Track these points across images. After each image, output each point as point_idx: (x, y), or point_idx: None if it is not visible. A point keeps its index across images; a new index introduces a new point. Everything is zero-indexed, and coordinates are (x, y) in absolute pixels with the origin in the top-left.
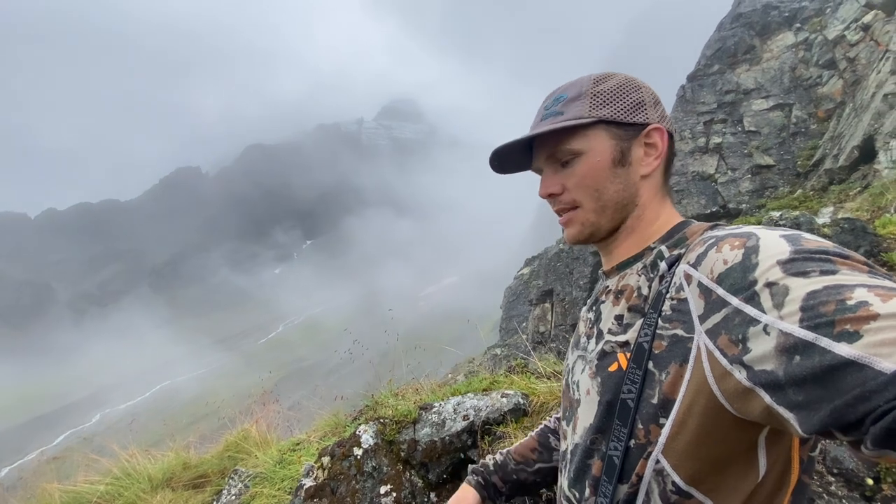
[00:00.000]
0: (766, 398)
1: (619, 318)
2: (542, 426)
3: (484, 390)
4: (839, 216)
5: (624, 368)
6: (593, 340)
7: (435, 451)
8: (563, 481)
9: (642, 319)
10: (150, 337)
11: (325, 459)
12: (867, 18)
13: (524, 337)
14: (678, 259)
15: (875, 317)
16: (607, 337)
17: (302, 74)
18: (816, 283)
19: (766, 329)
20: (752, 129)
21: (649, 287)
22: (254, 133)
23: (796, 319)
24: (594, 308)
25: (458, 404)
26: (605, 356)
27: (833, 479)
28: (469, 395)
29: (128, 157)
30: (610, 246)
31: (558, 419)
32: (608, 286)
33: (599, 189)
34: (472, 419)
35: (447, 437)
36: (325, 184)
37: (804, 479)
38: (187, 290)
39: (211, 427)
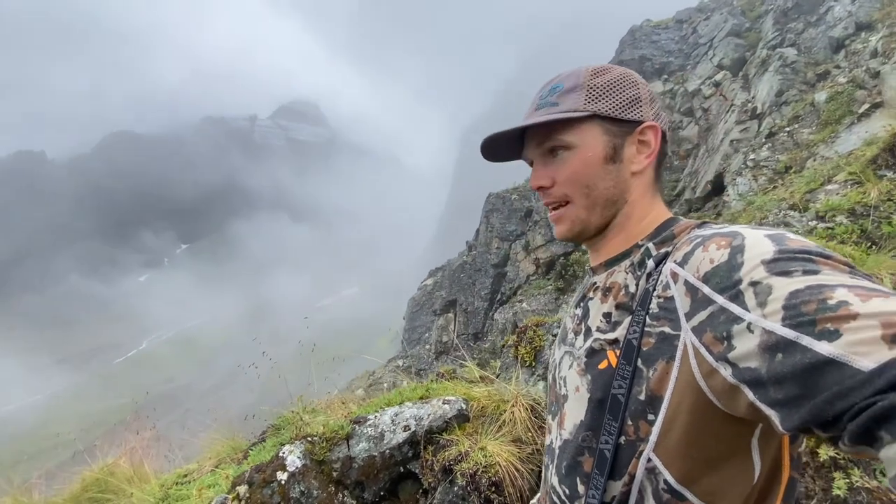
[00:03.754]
0: (750, 395)
1: (607, 315)
2: None
3: (421, 398)
4: None
5: (614, 366)
6: (581, 337)
7: (373, 468)
8: (553, 477)
9: (630, 317)
10: None
11: (242, 489)
12: (718, 76)
13: (427, 347)
14: (665, 257)
15: (855, 316)
16: (596, 335)
17: (185, 60)
18: (799, 282)
19: (749, 327)
20: None
21: (637, 285)
22: (120, 119)
23: (779, 318)
24: (581, 304)
25: (397, 415)
26: (594, 354)
27: None
28: (407, 404)
29: None
30: (598, 243)
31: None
32: (595, 283)
33: (590, 185)
34: (413, 429)
35: (387, 451)
36: (208, 182)
37: (794, 476)
38: (19, 298)
39: (58, 461)
